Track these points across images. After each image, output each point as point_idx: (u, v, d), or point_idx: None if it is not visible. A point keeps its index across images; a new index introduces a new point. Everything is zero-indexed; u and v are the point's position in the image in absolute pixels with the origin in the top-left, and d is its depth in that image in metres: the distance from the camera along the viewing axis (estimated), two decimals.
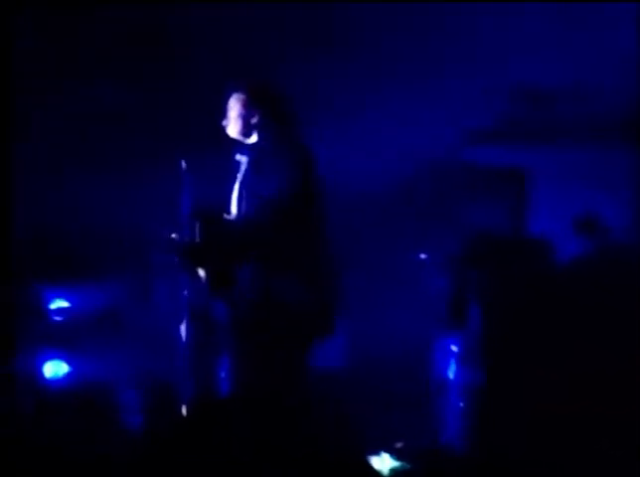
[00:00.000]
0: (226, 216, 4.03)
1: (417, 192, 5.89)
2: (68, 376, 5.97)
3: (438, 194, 5.95)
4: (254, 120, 4.08)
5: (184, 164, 4.05)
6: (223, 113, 4.14)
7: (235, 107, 4.12)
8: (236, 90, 4.15)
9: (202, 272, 3.94)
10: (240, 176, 4.09)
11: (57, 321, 6.10)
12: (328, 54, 5.41)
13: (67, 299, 6.19)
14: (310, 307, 3.82)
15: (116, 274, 6.15)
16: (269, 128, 4.05)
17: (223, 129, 4.11)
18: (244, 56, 5.32)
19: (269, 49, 5.35)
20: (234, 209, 4.05)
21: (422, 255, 5.43)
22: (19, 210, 5.43)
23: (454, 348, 5.21)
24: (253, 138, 4.10)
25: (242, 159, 4.10)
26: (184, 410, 4.05)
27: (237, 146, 4.12)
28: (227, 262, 3.87)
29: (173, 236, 3.93)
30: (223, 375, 4.15)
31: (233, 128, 4.12)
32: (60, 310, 6.13)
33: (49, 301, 6.13)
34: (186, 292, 4.02)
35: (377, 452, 4.71)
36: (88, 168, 5.82)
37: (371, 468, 4.44)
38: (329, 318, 3.90)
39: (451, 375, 5.25)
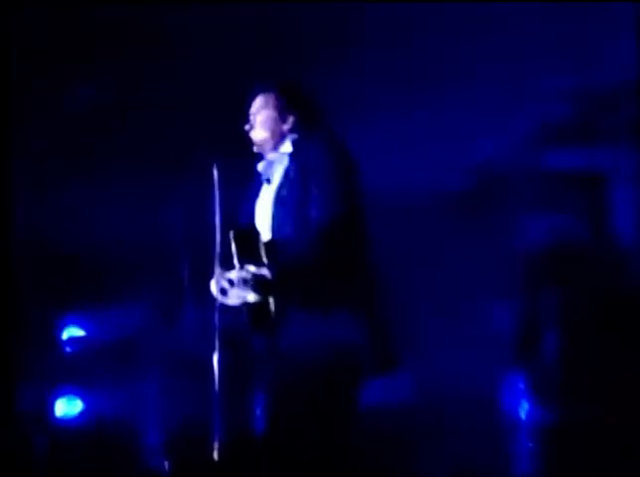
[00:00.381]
0: (267, 239, 3.84)
1: (479, 205, 5.78)
2: (82, 414, 5.90)
3: (502, 205, 5.81)
4: (287, 126, 3.95)
5: (215, 172, 3.88)
6: (246, 117, 4.00)
7: (263, 111, 3.98)
8: (263, 91, 4.01)
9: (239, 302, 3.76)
10: (271, 189, 3.93)
11: (70, 352, 6.01)
12: (352, 54, 5.44)
13: (81, 327, 6.10)
14: (361, 341, 3.69)
15: (137, 298, 6.05)
16: (306, 135, 3.91)
17: (246, 134, 3.98)
18: (261, 56, 5.38)
19: (286, 51, 5.40)
20: (264, 228, 3.90)
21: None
22: (24, 223, 5.49)
23: (524, 384, 5.14)
24: (286, 147, 3.94)
25: (274, 169, 3.95)
26: (215, 453, 3.91)
27: (260, 154, 4.00)
28: (276, 293, 3.69)
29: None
30: (259, 412, 3.91)
31: (260, 134, 3.98)
32: (73, 340, 6.04)
33: (60, 329, 6.05)
34: (218, 318, 3.85)
35: None
36: (98, 179, 5.85)
37: None
38: (383, 354, 3.77)
39: (522, 414, 5.17)
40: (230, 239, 3.76)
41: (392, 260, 4.86)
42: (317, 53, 5.36)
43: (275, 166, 3.93)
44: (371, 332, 3.70)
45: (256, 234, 3.80)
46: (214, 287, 3.84)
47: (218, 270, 3.81)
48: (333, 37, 5.35)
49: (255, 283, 3.60)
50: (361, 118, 5.24)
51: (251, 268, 3.61)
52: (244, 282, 3.60)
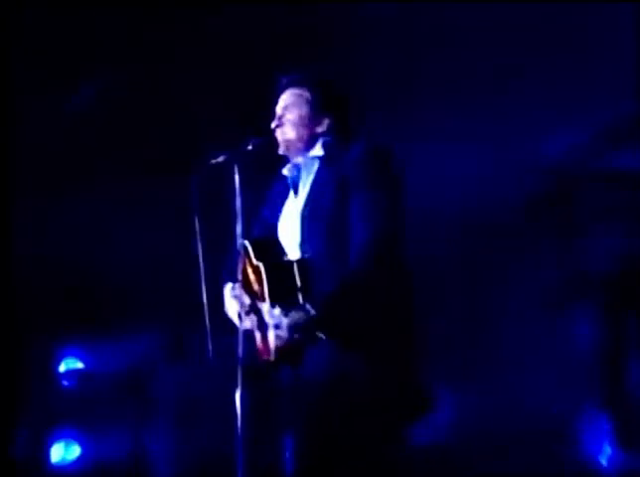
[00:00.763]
0: (301, 258, 3.68)
1: (541, 213, 5.61)
2: (80, 460, 5.80)
3: (568, 214, 5.67)
4: (321, 128, 3.77)
5: (237, 177, 3.64)
6: (272, 113, 3.82)
7: (293, 108, 3.79)
8: (295, 85, 3.82)
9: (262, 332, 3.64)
10: (299, 199, 3.76)
11: (67, 387, 5.89)
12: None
13: (80, 359, 5.97)
14: (400, 378, 3.55)
15: (145, 325, 5.90)
16: (341, 138, 3.74)
17: (272, 134, 3.78)
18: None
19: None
20: (290, 243, 3.73)
21: None
22: (22, 242, 5.54)
23: (606, 424, 5.01)
24: (316, 150, 3.76)
25: (302, 175, 3.78)
26: None
27: (285, 157, 3.83)
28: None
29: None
30: (287, 455, 3.79)
31: (288, 134, 3.78)
32: (71, 373, 5.92)
33: (57, 361, 5.93)
34: (242, 347, 3.66)
35: None
36: (100, 189, 5.85)
37: None
38: (424, 393, 3.66)
39: (604, 460, 5.02)
40: (249, 255, 3.64)
41: (447, 278, 5.03)
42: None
43: (303, 171, 3.77)
44: (408, 371, 3.57)
45: (282, 251, 3.68)
46: (232, 309, 3.74)
47: (238, 290, 3.68)
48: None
49: (307, 325, 3.45)
50: (413, 119, 5.23)
51: (309, 311, 3.44)
52: (293, 327, 3.45)
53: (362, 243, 3.51)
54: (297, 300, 3.53)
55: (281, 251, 3.70)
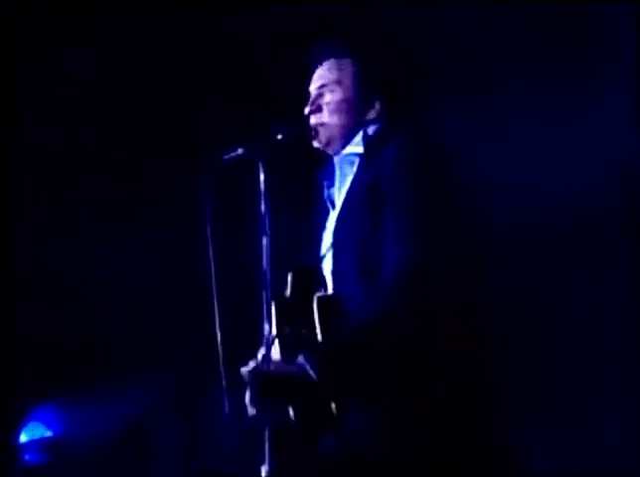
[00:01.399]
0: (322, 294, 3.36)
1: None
2: None
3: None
4: (370, 115, 3.38)
5: (262, 175, 3.18)
6: (306, 94, 3.51)
7: (335, 86, 3.42)
8: (335, 54, 3.45)
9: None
10: (335, 213, 3.42)
11: (29, 464, 5.43)
12: None
13: (46, 424, 5.51)
14: (466, 449, 3.17)
15: (141, 377, 5.51)
16: (387, 129, 3.36)
17: (305, 123, 3.44)
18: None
19: None
20: (326, 272, 3.40)
21: None
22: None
23: None
24: (356, 144, 3.39)
25: (340, 179, 3.43)
26: None
27: (325, 154, 3.51)
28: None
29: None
30: None
31: (328, 119, 3.40)
32: (35, 444, 5.48)
33: (18, 428, 5.51)
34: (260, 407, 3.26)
35: None
36: (98, 215, 5.70)
37: None
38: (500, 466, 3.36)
39: None
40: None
41: (513, 307, 4.65)
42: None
43: (338, 175, 3.45)
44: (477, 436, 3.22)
45: (319, 283, 3.33)
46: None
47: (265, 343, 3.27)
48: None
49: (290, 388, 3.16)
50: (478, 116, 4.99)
51: (305, 367, 3.08)
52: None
53: (388, 277, 3.17)
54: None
55: (318, 283, 3.37)
